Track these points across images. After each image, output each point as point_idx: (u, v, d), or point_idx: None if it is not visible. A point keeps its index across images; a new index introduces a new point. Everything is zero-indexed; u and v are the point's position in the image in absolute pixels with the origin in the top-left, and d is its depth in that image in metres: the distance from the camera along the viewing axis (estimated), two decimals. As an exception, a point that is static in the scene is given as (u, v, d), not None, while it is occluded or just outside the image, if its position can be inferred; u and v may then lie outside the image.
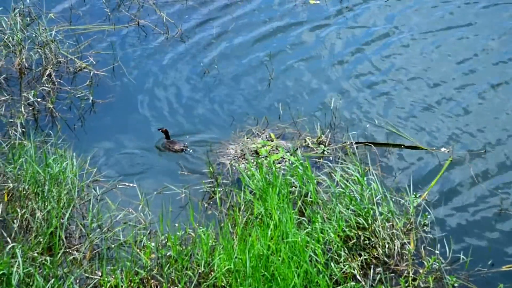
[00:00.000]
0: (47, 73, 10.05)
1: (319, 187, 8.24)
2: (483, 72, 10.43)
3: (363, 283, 7.30)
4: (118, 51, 10.83)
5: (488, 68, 10.48)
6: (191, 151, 9.05)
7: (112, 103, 9.93)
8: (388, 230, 7.65)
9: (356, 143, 9.11)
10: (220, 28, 11.45)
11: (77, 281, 7.21)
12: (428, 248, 7.77)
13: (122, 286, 7.12)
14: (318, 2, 12.06)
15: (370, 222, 7.64)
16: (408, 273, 7.48)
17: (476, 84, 10.21)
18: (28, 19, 11.02)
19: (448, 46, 10.99)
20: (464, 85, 10.20)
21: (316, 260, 7.20)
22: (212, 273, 7.23)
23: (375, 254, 7.59)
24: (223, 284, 7.12)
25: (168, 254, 7.40)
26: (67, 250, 7.52)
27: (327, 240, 7.49)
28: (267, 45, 11.09)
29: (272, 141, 9.22)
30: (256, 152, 8.99)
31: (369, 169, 8.45)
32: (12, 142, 8.74)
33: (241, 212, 7.92)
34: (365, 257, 7.52)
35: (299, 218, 7.75)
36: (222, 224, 7.81)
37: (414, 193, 8.20)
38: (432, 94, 10.04)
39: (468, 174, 8.78)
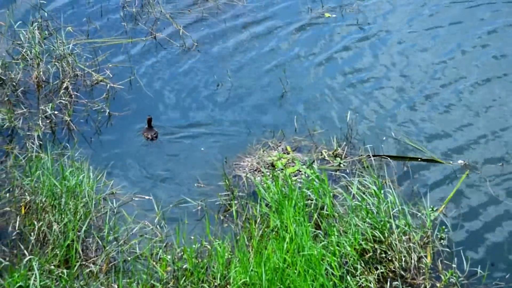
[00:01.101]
0: (64, 86, 10.11)
1: (335, 200, 8.22)
2: (501, 82, 10.40)
3: (380, 296, 7.27)
4: (135, 64, 10.89)
5: (506, 79, 10.46)
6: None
7: (129, 116, 9.97)
8: (404, 243, 7.61)
9: (373, 156, 9.08)
10: (235, 40, 11.49)
11: (94, 293, 7.24)
12: (445, 261, 7.72)
13: (138, 299, 7.13)
14: (334, 15, 12.07)
15: (386, 235, 7.61)
16: (425, 287, 7.44)
17: (495, 95, 10.16)
18: (46, 32, 11.11)
19: (464, 57, 10.97)
20: (478, 97, 10.16)
21: (332, 274, 7.18)
22: (228, 286, 7.22)
23: (392, 267, 7.55)
24: (239, 297, 7.11)
25: (184, 266, 7.40)
26: (84, 262, 7.54)
27: (343, 253, 7.46)
28: (282, 58, 11.11)
29: (288, 153, 9.22)
30: (272, 165, 8.99)
31: (385, 182, 8.42)
32: (29, 154, 8.79)
33: (257, 225, 7.91)
34: (381, 270, 7.49)
35: (315, 231, 7.74)
36: (238, 237, 7.80)
37: (431, 206, 8.17)
38: (447, 106, 10.01)
39: (485, 186, 8.73)
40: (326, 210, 7.98)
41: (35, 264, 7.03)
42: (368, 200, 7.92)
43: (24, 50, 10.54)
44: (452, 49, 11.17)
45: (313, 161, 9.00)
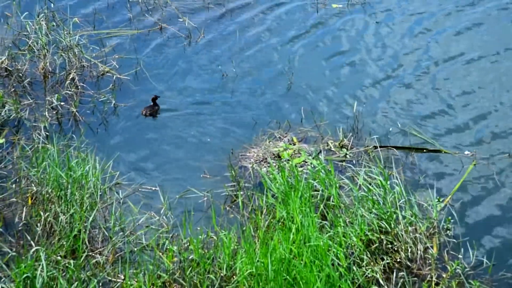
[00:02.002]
0: (70, 77, 10.12)
1: (341, 190, 8.21)
2: (505, 74, 10.35)
3: (386, 287, 7.26)
4: (141, 56, 10.89)
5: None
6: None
7: (134, 106, 9.97)
8: (411, 234, 7.60)
9: (379, 147, 9.06)
10: (241, 33, 11.46)
11: (100, 284, 7.24)
12: (452, 252, 7.70)
13: (144, 289, 7.15)
14: (340, 5, 12.03)
15: (392, 226, 7.60)
16: (431, 278, 7.43)
17: (498, 87, 10.12)
18: (53, 23, 11.11)
19: (470, 49, 10.92)
20: (486, 87, 10.13)
21: (338, 264, 7.17)
22: (234, 276, 7.22)
23: (398, 258, 7.54)
24: (245, 288, 7.11)
25: (190, 257, 7.40)
26: (90, 253, 7.56)
27: (349, 244, 7.46)
28: (288, 49, 11.08)
29: (294, 144, 9.21)
30: (278, 156, 8.98)
31: (391, 173, 8.41)
32: (36, 145, 8.80)
33: (263, 216, 7.91)
34: (387, 261, 7.48)
35: (321, 222, 7.73)
36: (244, 228, 7.79)
37: (438, 197, 8.15)
38: (454, 97, 9.98)
39: (492, 177, 8.70)
40: (332, 201, 7.97)
41: (42, 255, 7.04)
42: (374, 191, 7.90)
43: (30, 41, 10.56)
44: (466, 42, 11.12)
45: (319, 152, 8.98)
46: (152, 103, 9.76)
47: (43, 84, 10.23)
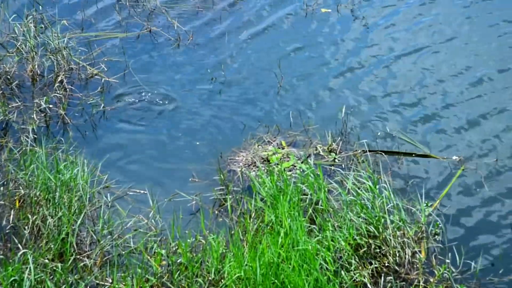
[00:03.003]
0: (59, 80, 10.09)
1: (330, 195, 8.23)
2: (494, 79, 10.40)
3: (374, 291, 7.29)
4: (130, 58, 10.87)
5: (499, 75, 10.45)
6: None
7: (123, 109, 9.95)
8: (399, 238, 7.63)
9: (368, 151, 9.09)
10: (231, 37, 11.47)
11: (88, 287, 7.22)
12: (439, 257, 7.74)
13: (132, 293, 7.13)
14: (329, 10, 12.06)
15: (381, 230, 7.62)
16: (419, 282, 7.46)
17: (488, 91, 10.17)
18: (42, 25, 11.08)
19: (455, 55, 10.97)
20: (474, 91, 10.17)
21: (327, 268, 7.19)
22: (222, 280, 7.22)
23: (386, 262, 7.56)
24: (233, 292, 7.11)
25: (178, 261, 7.40)
26: (78, 256, 7.54)
27: (337, 248, 7.47)
28: (277, 54, 11.09)
29: (283, 148, 9.22)
30: (267, 160, 8.99)
31: (380, 177, 8.43)
32: (24, 148, 8.77)
33: (251, 220, 7.92)
34: (375, 265, 7.50)
35: (309, 226, 7.75)
36: (232, 232, 7.81)
37: (426, 202, 8.18)
38: (443, 102, 10.02)
39: (480, 182, 8.74)
40: (321, 205, 7.98)
41: (30, 258, 7.02)
42: (363, 195, 7.93)
43: (19, 44, 10.51)
44: (451, 44, 11.16)
45: (308, 156, 9.00)
46: None
47: (31, 86, 10.19)
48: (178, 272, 7.31)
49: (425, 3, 12.16)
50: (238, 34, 11.54)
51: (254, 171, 8.82)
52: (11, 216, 7.90)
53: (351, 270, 7.35)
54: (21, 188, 8.12)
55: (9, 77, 10.14)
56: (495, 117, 9.73)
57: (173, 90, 10.39)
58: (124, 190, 8.61)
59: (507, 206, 8.43)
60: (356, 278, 7.31)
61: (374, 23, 11.73)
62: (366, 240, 7.59)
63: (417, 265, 7.58)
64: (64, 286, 6.99)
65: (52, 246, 7.46)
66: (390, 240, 7.57)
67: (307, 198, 8.10)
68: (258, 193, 8.12)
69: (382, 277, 7.42)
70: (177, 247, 7.55)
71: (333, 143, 9.23)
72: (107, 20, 11.75)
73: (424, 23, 11.71)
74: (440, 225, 7.99)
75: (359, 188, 8.05)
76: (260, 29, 11.65)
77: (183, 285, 7.25)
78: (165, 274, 7.37)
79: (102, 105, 9.92)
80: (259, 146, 9.27)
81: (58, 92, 9.94)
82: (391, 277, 7.45)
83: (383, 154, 9.12)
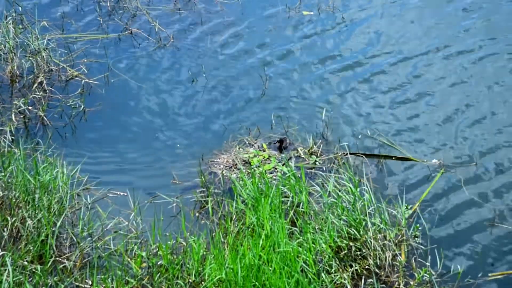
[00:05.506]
0: (38, 81, 10.02)
1: (311, 197, 8.23)
2: (475, 85, 10.46)
3: (355, 294, 7.30)
4: (111, 60, 10.82)
5: (482, 79, 10.51)
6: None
7: (104, 111, 9.90)
8: (379, 241, 7.65)
9: (349, 153, 9.11)
10: (212, 38, 11.46)
11: (67, 289, 7.18)
12: (419, 259, 7.76)
13: (112, 295, 7.09)
14: (312, 13, 12.09)
15: (362, 233, 7.64)
16: (399, 285, 7.48)
17: (470, 93, 10.22)
18: (21, 26, 10.99)
19: (438, 60, 11.03)
20: (457, 94, 10.22)
21: (308, 270, 7.18)
22: (203, 282, 7.20)
23: (366, 265, 7.58)
24: (214, 294, 7.09)
25: (159, 263, 7.37)
26: (58, 258, 7.48)
27: (318, 250, 7.48)
28: (259, 56, 11.09)
29: (264, 151, 9.22)
30: (248, 162, 8.98)
31: (361, 179, 8.45)
32: (2, 150, 8.69)
33: (232, 222, 7.90)
34: (356, 268, 7.51)
35: (290, 228, 7.74)
36: (213, 234, 7.79)
37: (406, 205, 8.21)
38: (424, 105, 10.06)
39: (459, 185, 8.79)
40: (302, 207, 7.99)
41: (8, 260, 6.95)
42: (344, 198, 7.94)
43: (-3, 44, 10.43)
44: (431, 46, 11.21)
45: (289, 158, 9.00)
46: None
47: (10, 87, 10.11)
48: (159, 274, 7.28)
49: (405, 3, 12.24)
50: (219, 36, 11.53)
51: (235, 173, 8.81)
52: (-10, 218, 7.82)
53: (332, 273, 7.36)
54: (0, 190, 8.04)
55: (-13, 78, 10.07)
56: (476, 121, 9.78)
57: (154, 92, 10.35)
58: (104, 192, 8.56)
59: (486, 208, 8.49)
60: (337, 280, 7.31)
61: (354, 24, 11.77)
62: (347, 242, 7.60)
63: (398, 268, 7.60)
64: (43, 288, 6.95)
65: (31, 248, 7.40)
66: (371, 242, 7.59)
67: (288, 200, 8.10)
68: (239, 195, 8.11)
69: (363, 280, 7.43)
70: (157, 249, 7.52)
71: (314, 146, 9.24)
72: (87, 21, 11.69)
73: (405, 22, 11.78)
74: (420, 228, 8.02)
75: (340, 191, 8.07)
76: (242, 31, 11.65)
77: (163, 287, 7.22)
78: (146, 276, 7.34)
79: (82, 106, 9.86)
80: (240, 149, 9.26)
81: (38, 93, 9.87)
82: (372, 280, 7.46)
83: (364, 156, 9.15)
